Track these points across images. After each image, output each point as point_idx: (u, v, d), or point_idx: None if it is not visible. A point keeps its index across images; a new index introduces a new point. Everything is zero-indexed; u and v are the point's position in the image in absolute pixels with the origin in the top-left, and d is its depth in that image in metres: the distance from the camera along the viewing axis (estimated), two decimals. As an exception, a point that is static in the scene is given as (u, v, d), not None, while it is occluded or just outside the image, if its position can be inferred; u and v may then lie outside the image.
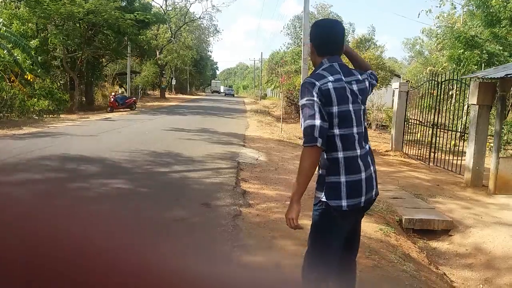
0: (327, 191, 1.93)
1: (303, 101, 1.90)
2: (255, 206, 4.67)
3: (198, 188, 5.34)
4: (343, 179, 1.92)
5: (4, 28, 14.59)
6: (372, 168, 2.03)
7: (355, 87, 2.00)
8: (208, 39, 58.06)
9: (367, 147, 2.03)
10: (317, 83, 1.90)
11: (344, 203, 1.91)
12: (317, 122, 1.83)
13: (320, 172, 2.01)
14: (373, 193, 2.04)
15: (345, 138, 1.92)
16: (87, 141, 9.15)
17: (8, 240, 0.35)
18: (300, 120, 1.92)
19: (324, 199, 1.94)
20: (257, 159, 8.07)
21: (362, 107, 2.04)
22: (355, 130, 1.96)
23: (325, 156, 1.95)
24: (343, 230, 2.05)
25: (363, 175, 1.95)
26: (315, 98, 1.87)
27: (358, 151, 1.96)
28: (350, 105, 1.95)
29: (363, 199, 1.97)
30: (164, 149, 8.37)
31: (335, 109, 1.90)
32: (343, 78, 1.97)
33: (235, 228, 3.81)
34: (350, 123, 1.95)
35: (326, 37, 2.09)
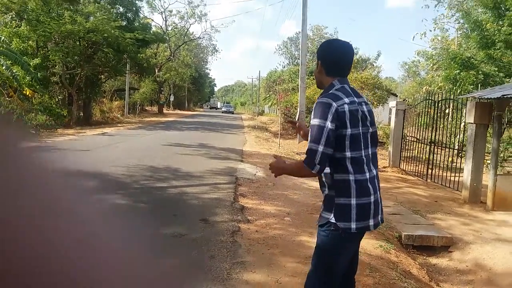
0: (336, 212, 1.90)
1: (315, 121, 1.87)
2: (254, 222, 4.64)
3: (196, 204, 5.31)
4: (353, 201, 1.89)
5: (5, 45, 14.69)
6: (378, 193, 2.02)
7: (365, 108, 2.00)
8: (206, 58, 58.66)
9: (374, 171, 2.01)
10: (334, 104, 1.87)
11: (353, 225, 1.88)
12: (321, 148, 1.83)
13: (328, 192, 1.98)
14: (379, 218, 2.01)
15: (355, 160, 1.90)
16: (84, 155, 9.12)
17: None
18: (308, 137, 1.92)
19: (333, 220, 1.90)
20: (255, 174, 8.05)
21: (370, 130, 2.02)
22: (363, 152, 1.95)
23: (335, 177, 1.93)
24: (349, 251, 2.04)
25: (372, 198, 1.93)
26: (328, 123, 1.84)
27: (367, 174, 1.94)
28: (361, 128, 1.94)
29: (371, 222, 1.94)
30: (162, 164, 8.35)
31: (348, 131, 1.88)
32: (356, 100, 1.96)
33: (234, 245, 3.77)
34: (360, 146, 1.93)
35: (338, 57, 2.06)
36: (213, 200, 5.50)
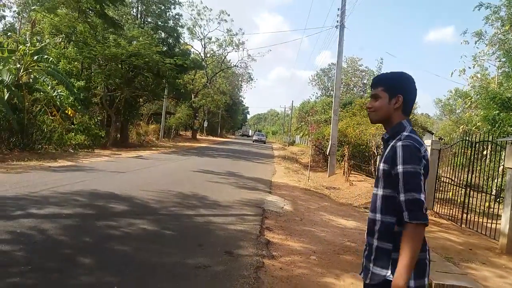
0: (395, 269, 1.64)
1: (408, 168, 1.65)
2: (279, 258, 4.58)
3: (222, 235, 5.32)
4: (426, 256, 1.73)
5: (52, 66, 15.58)
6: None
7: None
8: (241, 86, 59.78)
9: None
10: (421, 149, 1.71)
11: (412, 284, 1.66)
12: (423, 196, 1.66)
13: (380, 245, 1.77)
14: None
15: None
16: (117, 178, 9.39)
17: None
18: (400, 188, 1.66)
19: (391, 278, 1.67)
20: (283, 207, 8.00)
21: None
22: None
23: (396, 229, 1.73)
24: None
25: (427, 253, 1.77)
26: (421, 168, 1.68)
27: None
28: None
29: (426, 280, 1.73)
30: (191, 191, 8.46)
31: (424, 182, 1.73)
32: None
33: (257, 281, 3.73)
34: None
35: (416, 94, 1.89)
36: (239, 232, 5.49)
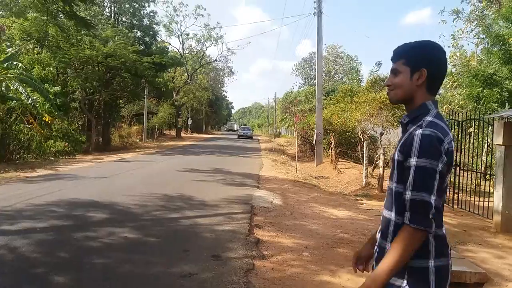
0: (411, 278, 1.44)
1: (423, 162, 1.37)
2: (270, 258, 4.34)
3: (209, 237, 5.04)
4: (431, 263, 1.46)
5: (24, 72, 14.99)
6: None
7: None
8: (223, 80, 59.34)
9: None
10: (445, 140, 1.41)
11: None
12: (433, 199, 1.36)
13: None
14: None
15: (439, 210, 1.44)
16: (98, 184, 9.02)
17: None
18: (409, 183, 1.40)
19: None
20: (272, 202, 7.76)
21: None
22: (442, 201, 1.51)
23: None
24: None
25: (449, 259, 1.54)
26: (440, 165, 1.38)
27: (443, 227, 1.53)
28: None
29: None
30: (176, 191, 8.16)
31: (447, 178, 1.47)
32: None
33: (248, 286, 3.48)
34: (445, 191, 1.51)
35: (446, 69, 1.57)
36: (227, 233, 5.23)
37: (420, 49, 1.54)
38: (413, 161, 1.39)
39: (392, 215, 1.51)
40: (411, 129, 1.48)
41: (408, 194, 1.39)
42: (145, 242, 4.77)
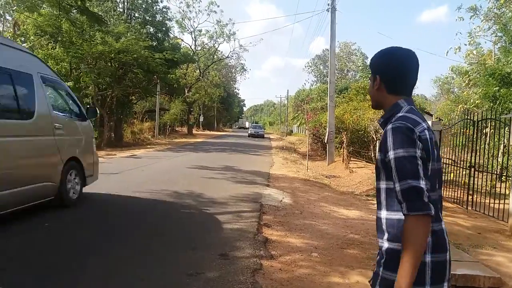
0: None
1: (399, 153, 1.41)
2: (278, 258, 4.27)
3: (217, 235, 4.99)
4: (428, 258, 1.45)
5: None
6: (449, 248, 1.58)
7: (433, 138, 1.54)
8: (235, 77, 59.29)
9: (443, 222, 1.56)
10: (415, 129, 1.45)
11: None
12: (422, 183, 1.37)
13: (390, 245, 1.50)
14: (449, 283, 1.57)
15: (434, 204, 1.42)
16: (109, 180, 9.04)
17: None
18: (394, 177, 1.42)
19: None
20: (281, 200, 7.69)
21: (436, 166, 1.55)
22: (437, 194, 1.54)
23: None
24: None
25: (447, 255, 1.51)
26: (418, 151, 1.41)
27: (442, 222, 1.52)
28: (435, 162, 1.52)
29: (446, 285, 1.50)
30: (186, 189, 8.13)
31: (430, 165, 1.47)
32: (430, 126, 1.54)
33: (254, 286, 3.42)
34: (435, 185, 1.51)
35: (404, 70, 1.62)
36: (235, 231, 5.17)
37: (374, 59, 1.70)
38: (391, 154, 1.43)
39: (382, 213, 1.55)
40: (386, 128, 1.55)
41: (397, 187, 1.42)
42: (152, 240, 4.74)
